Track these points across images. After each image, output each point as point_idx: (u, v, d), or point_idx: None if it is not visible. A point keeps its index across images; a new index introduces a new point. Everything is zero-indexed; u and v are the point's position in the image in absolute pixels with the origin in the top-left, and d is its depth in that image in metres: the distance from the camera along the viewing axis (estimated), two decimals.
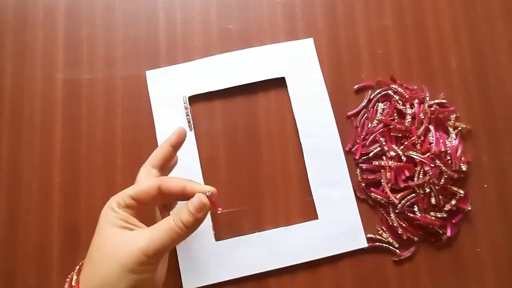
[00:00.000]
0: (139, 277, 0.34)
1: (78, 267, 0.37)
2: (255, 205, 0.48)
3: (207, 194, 0.36)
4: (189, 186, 0.37)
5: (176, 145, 0.42)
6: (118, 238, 0.34)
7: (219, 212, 0.37)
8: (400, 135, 0.49)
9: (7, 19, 0.53)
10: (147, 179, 0.39)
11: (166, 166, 0.42)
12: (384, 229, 0.48)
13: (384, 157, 0.49)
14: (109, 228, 0.35)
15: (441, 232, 0.47)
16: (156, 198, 0.37)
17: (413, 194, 0.47)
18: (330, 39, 0.53)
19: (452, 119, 0.50)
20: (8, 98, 0.51)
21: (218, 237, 0.47)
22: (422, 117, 0.49)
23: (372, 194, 0.48)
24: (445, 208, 0.47)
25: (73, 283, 0.35)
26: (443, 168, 0.47)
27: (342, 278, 0.47)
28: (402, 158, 0.48)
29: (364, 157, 0.49)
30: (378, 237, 0.48)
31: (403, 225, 0.47)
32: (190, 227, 0.35)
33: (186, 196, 0.37)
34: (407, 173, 0.48)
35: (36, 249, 0.47)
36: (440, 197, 0.47)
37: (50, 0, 0.53)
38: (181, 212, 0.35)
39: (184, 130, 0.42)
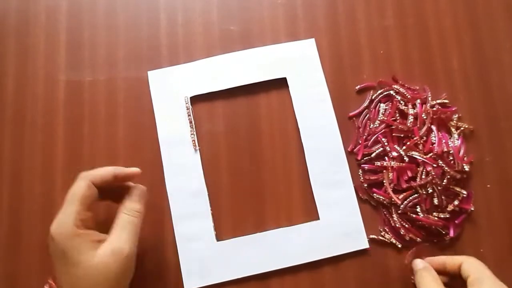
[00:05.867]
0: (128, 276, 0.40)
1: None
2: (256, 205, 0.48)
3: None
4: (118, 172, 0.41)
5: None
6: (101, 258, 0.37)
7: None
8: (402, 135, 0.49)
9: (9, 21, 0.53)
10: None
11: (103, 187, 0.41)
12: (387, 229, 0.48)
13: (386, 158, 0.48)
14: (87, 253, 0.37)
15: (444, 232, 0.47)
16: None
17: (416, 195, 0.47)
18: (332, 39, 0.53)
19: (455, 119, 0.50)
20: (10, 100, 0.51)
21: (219, 238, 0.47)
22: (424, 117, 0.49)
23: (375, 194, 0.48)
24: (448, 209, 0.47)
25: None
26: (446, 168, 0.47)
27: (344, 279, 0.47)
28: (405, 158, 0.48)
29: (366, 158, 0.49)
30: (380, 238, 0.48)
31: (406, 225, 0.47)
32: (142, 213, 0.41)
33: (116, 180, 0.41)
34: (409, 174, 0.47)
35: (39, 251, 0.47)
36: (443, 197, 0.47)
37: (52, 1, 0.54)
38: (131, 204, 0.41)
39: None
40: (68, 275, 0.37)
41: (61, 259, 0.37)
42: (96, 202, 0.40)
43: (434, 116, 0.49)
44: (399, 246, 0.47)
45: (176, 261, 0.46)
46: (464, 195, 0.47)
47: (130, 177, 0.43)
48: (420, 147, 0.48)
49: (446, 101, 0.51)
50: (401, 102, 0.50)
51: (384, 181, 0.48)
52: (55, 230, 0.37)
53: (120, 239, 0.38)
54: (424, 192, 0.47)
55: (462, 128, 0.50)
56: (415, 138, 0.48)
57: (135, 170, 0.43)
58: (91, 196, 0.39)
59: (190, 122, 0.50)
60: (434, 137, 0.48)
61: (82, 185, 0.39)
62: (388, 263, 0.47)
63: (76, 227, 0.37)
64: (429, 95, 0.50)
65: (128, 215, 0.40)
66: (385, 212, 0.48)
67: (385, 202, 0.48)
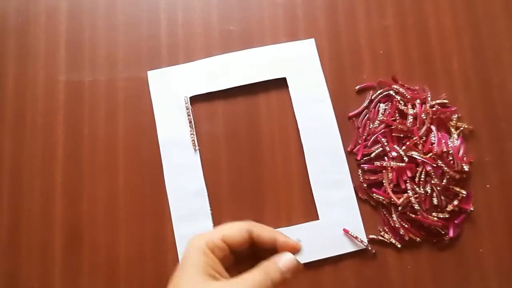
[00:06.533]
0: None
1: None
2: (256, 206, 0.48)
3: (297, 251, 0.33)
4: (280, 240, 0.33)
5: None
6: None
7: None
8: (402, 135, 0.49)
9: (9, 22, 0.53)
10: (232, 225, 0.33)
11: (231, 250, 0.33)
12: (386, 229, 0.48)
13: (386, 158, 0.49)
14: (197, 274, 0.30)
15: (443, 232, 0.47)
16: (245, 244, 0.33)
17: (415, 195, 0.47)
18: (331, 39, 0.53)
19: (454, 119, 0.50)
20: (10, 100, 0.51)
21: None
22: (424, 117, 0.49)
23: (374, 194, 0.48)
24: (448, 209, 0.47)
25: None
26: (445, 168, 0.47)
27: (344, 279, 0.47)
28: (404, 158, 0.48)
29: (366, 158, 0.49)
30: (380, 238, 0.48)
31: (405, 226, 0.47)
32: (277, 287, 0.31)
33: (273, 248, 0.33)
34: (409, 174, 0.47)
35: (39, 251, 0.47)
36: (442, 197, 0.47)
37: (52, 2, 0.54)
38: (271, 270, 0.31)
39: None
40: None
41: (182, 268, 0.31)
42: None
43: (434, 116, 0.49)
44: (399, 246, 0.47)
45: (176, 261, 0.46)
46: (464, 195, 0.47)
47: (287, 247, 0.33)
48: (420, 147, 0.48)
49: (445, 101, 0.51)
50: (401, 102, 0.50)
51: (383, 181, 0.48)
52: None
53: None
54: (423, 192, 0.47)
55: (461, 128, 0.50)
56: (414, 138, 0.48)
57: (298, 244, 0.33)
58: (240, 236, 0.32)
59: (190, 122, 0.50)
60: (434, 137, 0.48)
61: (240, 224, 0.33)
62: (388, 263, 0.47)
63: (209, 247, 0.31)
64: (429, 95, 0.50)
65: (263, 283, 0.30)
66: (384, 212, 0.48)
67: (384, 202, 0.48)
